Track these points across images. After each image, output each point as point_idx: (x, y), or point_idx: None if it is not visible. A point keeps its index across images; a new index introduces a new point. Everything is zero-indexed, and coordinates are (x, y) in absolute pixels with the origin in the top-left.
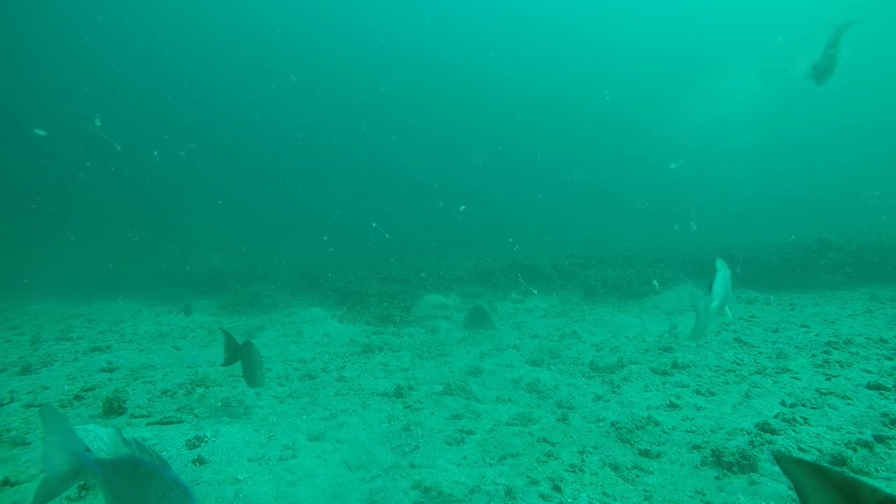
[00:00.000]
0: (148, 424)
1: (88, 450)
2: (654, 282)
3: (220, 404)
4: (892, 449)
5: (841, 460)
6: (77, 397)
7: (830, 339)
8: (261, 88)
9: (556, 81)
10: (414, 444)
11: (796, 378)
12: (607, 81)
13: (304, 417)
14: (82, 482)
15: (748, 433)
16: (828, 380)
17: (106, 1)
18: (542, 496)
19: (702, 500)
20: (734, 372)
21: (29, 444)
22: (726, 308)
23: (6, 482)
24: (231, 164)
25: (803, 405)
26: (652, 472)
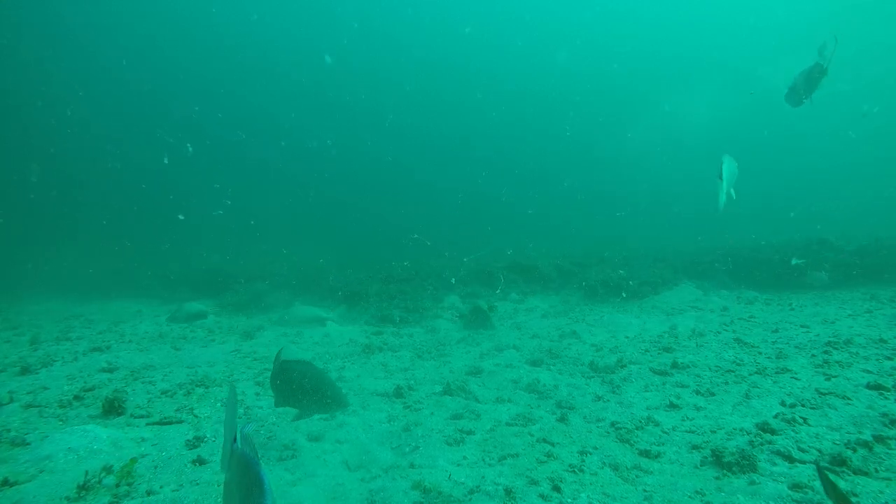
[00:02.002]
0: (148, 424)
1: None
2: (623, 294)
3: (219, 405)
4: (891, 449)
5: (840, 460)
6: (77, 397)
7: (830, 339)
8: (265, 90)
9: (554, 80)
10: (414, 444)
11: (796, 378)
12: (601, 80)
13: (303, 418)
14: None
15: (748, 433)
16: (827, 380)
17: (118, 3)
18: (541, 496)
19: (701, 500)
20: (734, 372)
21: (28, 444)
22: (731, 191)
23: (6, 482)
24: (235, 165)
25: (803, 405)
26: (652, 472)
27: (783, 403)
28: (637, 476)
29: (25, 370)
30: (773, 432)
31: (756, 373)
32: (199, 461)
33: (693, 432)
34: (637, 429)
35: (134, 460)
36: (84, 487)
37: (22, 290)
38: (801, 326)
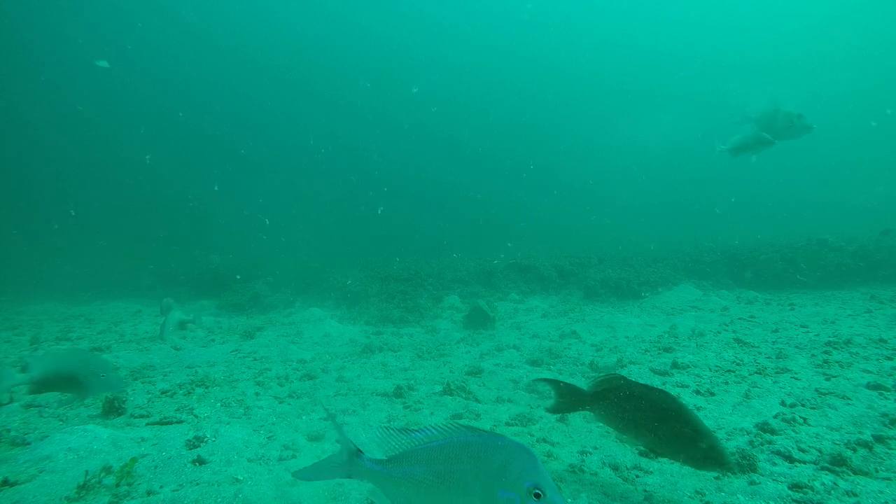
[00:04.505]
0: (147, 424)
1: (360, 451)
2: (623, 294)
3: (219, 404)
4: (891, 449)
5: (840, 460)
6: None
7: (830, 339)
8: (268, 90)
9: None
10: None
11: (796, 378)
12: (601, 79)
13: (303, 418)
14: (349, 478)
15: (748, 433)
16: (827, 380)
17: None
18: None
19: (701, 501)
20: (734, 372)
21: (28, 444)
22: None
23: (6, 482)
24: (237, 165)
25: (803, 405)
26: (652, 472)
27: (783, 403)
28: (637, 476)
29: (25, 370)
30: (773, 432)
31: (756, 373)
32: (199, 461)
33: None
34: None
35: (134, 460)
36: (84, 487)
37: (21, 290)
38: (801, 326)
